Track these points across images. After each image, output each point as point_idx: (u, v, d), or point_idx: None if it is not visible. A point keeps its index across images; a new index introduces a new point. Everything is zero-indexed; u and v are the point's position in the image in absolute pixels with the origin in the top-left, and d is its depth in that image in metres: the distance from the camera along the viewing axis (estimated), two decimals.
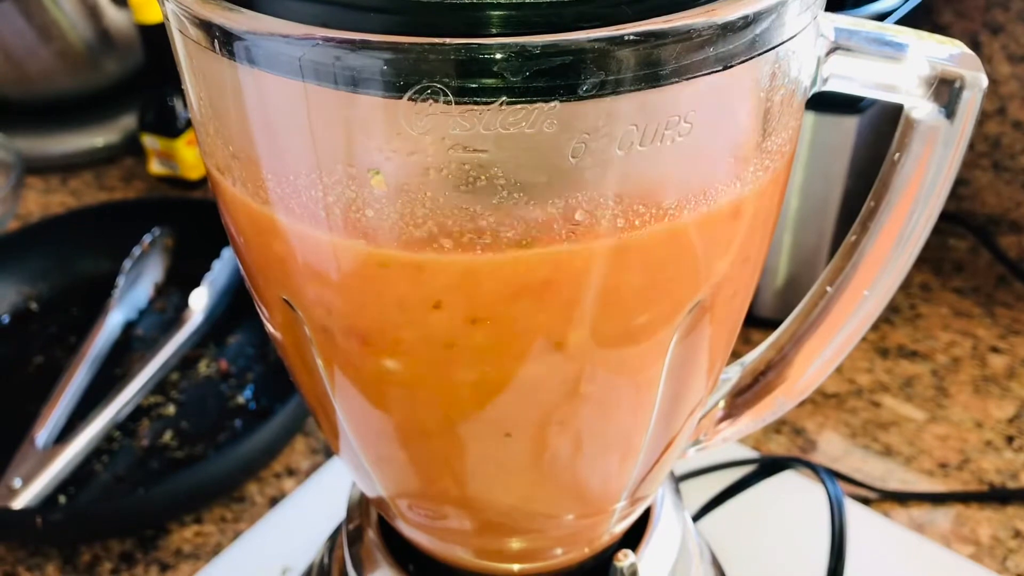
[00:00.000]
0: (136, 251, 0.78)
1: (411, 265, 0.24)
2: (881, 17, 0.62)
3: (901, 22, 0.62)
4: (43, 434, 0.63)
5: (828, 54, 0.27)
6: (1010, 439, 0.64)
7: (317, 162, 0.23)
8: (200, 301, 0.74)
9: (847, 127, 0.65)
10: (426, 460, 0.32)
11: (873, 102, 0.66)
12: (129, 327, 0.75)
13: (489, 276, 0.24)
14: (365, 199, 0.23)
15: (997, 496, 0.60)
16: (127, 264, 0.77)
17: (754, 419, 0.36)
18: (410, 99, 0.21)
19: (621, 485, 0.33)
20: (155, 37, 0.87)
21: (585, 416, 0.29)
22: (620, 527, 0.37)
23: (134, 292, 0.77)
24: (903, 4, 0.64)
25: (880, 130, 0.69)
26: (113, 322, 0.73)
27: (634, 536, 0.39)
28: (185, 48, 0.25)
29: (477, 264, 0.23)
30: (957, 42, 0.28)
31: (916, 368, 0.71)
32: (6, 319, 0.77)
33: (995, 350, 0.72)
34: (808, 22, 0.24)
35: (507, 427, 0.29)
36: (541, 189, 0.22)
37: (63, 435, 0.64)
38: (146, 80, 0.95)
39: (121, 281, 0.76)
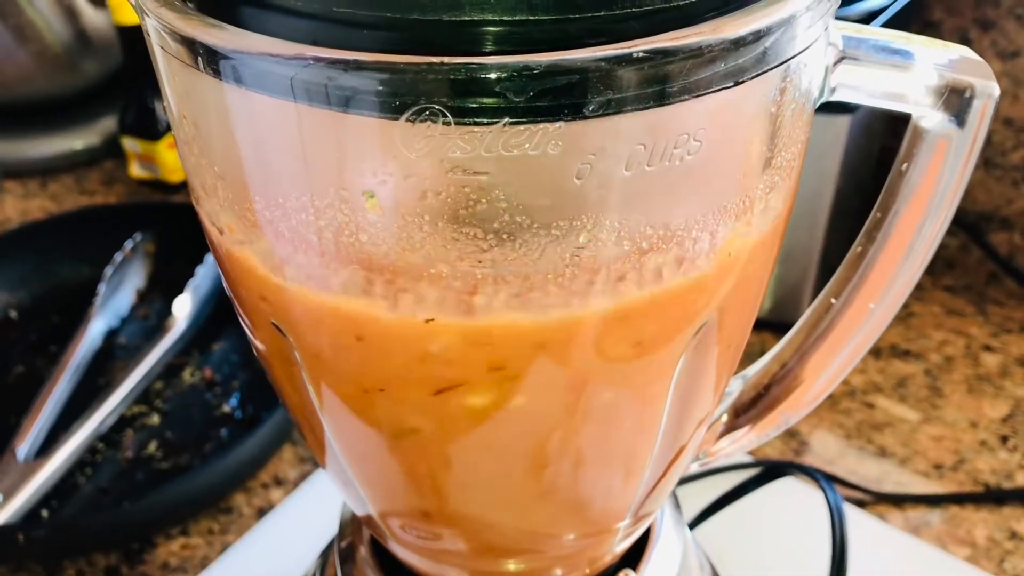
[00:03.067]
0: (118, 257, 0.77)
1: (407, 292, 0.23)
2: (872, 15, 0.61)
3: (892, 20, 0.61)
4: (24, 447, 0.62)
5: (836, 63, 0.26)
6: (1004, 439, 0.64)
7: (308, 185, 0.22)
8: (183, 308, 0.73)
9: (839, 126, 0.64)
10: (418, 479, 0.31)
11: None
12: (111, 335, 0.74)
13: (489, 303, 0.23)
14: (359, 224, 0.22)
15: (992, 497, 0.60)
16: (108, 271, 0.75)
17: (759, 434, 0.35)
18: (407, 120, 0.20)
19: (626, 503, 0.32)
20: (134, 38, 0.86)
21: (590, 434, 0.28)
22: (622, 546, 0.36)
23: (116, 299, 0.75)
24: (893, 2, 0.63)
25: (872, 129, 0.69)
26: (95, 330, 0.72)
27: (634, 554, 0.38)
28: (167, 65, 0.24)
29: (477, 290, 0.22)
30: (965, 49, 0.27)
31: (909, 368, 0.70)
32: None
33: (988, 348, 0.72)
34: (819, 34, 0.23)
35: (507, 447, 0.28)
36: (544, 212, 0.21)
37: (45, 447, 0.62)
38: (125, 82, 0.94)
39: (103, 288, 0.74)
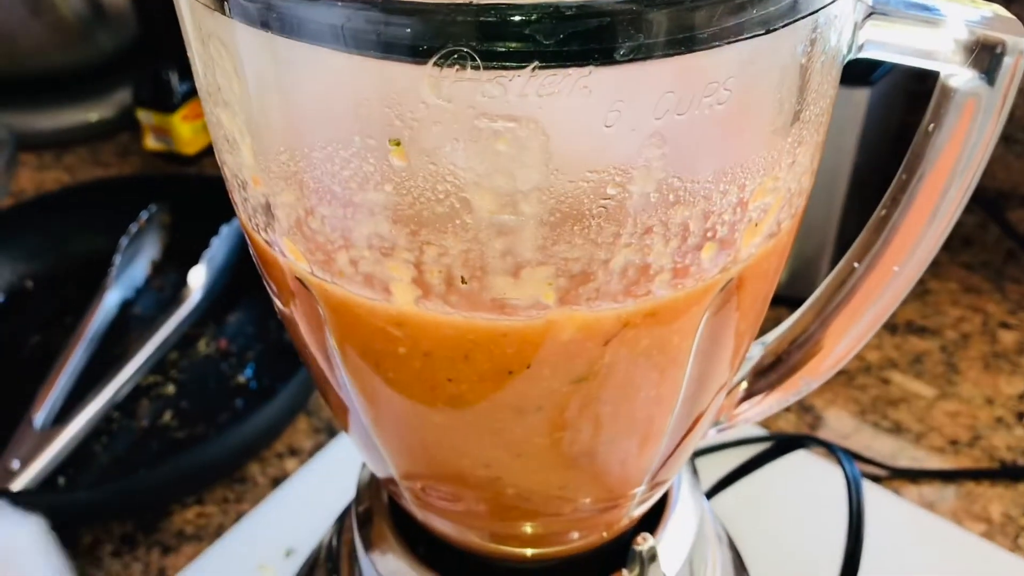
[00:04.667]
0: (133, 228, 0.77)
1: (431, 245, 0.23)
2: None
3: None
4: (41, 415, 0.62)
5: (865, 19, 0.26)
6: (1021, 415, 0.64)
7: (333, 133, 0.22)
8: (199, 279, 0.73)
9: (858, 99, 0.64)
10: (441, 440, 0.31)
11: (884, 73, 0.64)
12: (126, 306, 0.74)
13: (513, 249, 0.23)
14: (384, 173, 0.22)
15: (1008, 473, 0.60)
16: (123, 242, 0.75)
17: (778, 400, 0.35)
18: (435, 65, 0.19)
19: (644, 468, 0.32)
20: (150, 10, 0.86)
21: (612, 398, 0.28)
22: (639, 511, 0.36)
23: (131, 270, 0.76)
24: None
25: (891, 104, 0.68)
26: (110, 301, 0.72)
27: (651, 519, 0.38)
28: (191, 11, 0.23)
29: (503, 236, 0.22)
30: (996, 5, 0.27)
31: (925, 344, 0.70)
32: (1, 298, 0.76)
33: (1005, 326, 0.71)
34: None
35: (528, 408, 0.28)
36: (572, 160, 0.21)
37: (61, 416, 0.63)
38: (141, 54, 0.94)
39: (118, 259, 0.74)
